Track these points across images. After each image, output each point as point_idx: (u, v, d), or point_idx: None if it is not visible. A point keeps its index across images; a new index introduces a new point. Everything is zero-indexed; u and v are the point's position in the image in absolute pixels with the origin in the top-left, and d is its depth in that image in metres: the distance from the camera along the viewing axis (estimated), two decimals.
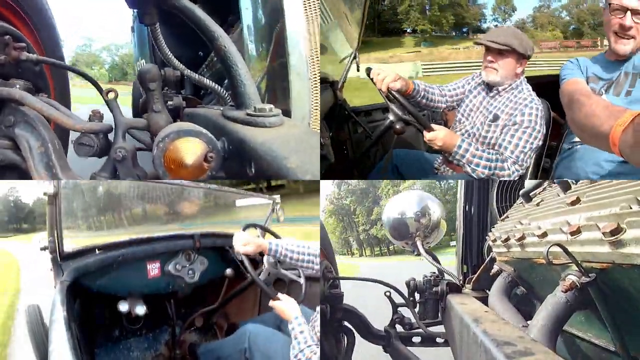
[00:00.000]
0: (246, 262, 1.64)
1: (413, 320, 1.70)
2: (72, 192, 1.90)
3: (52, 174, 1.44)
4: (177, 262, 2.06)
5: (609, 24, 1.73)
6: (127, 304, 1.84)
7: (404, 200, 1.83)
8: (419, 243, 1.79)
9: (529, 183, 1.98)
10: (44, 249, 1.68)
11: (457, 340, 1.28)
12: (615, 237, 0.77)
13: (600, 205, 0.98)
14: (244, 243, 1.54)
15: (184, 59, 1.64)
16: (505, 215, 2.10)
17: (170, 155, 1.23)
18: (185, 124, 1.36)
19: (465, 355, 1.15)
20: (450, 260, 2.74)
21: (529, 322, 1.07)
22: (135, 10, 1.49)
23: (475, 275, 1.77)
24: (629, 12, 1.65)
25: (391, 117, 1.93)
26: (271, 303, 1.51)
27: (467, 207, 2.48)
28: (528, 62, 2.03)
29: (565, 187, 1.48)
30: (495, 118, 2.00)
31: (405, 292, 1.71)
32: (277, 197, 2.55)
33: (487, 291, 1.62)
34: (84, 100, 6.38)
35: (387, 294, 1.73)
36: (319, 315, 1.44)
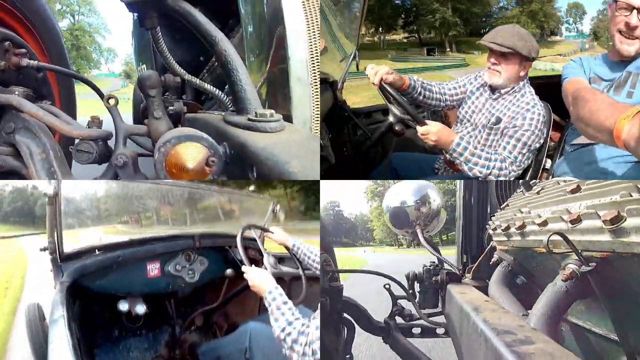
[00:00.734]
0: (245, 261, 1.64)
1: (413, 311, 1.71)
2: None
3: (54, 180, 1.44)
4: (177, 263, 2.06)
5: (614, 22, 1.68)
6: (127, 303, 1.84)
7: (405, 188, 1.83)
8: (419, 232, 1.79)
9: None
10: (43, 249, 1.68)
11: (457, 329, 1.28)
12: (616, 225, 0.76)
13: (601, 193, 0.97)
14: (272, 229, 1.81)
15: (184, 64, 1.64)
16: (505, 203, 2.09)
17: (171, 160, 1.24)
18: (187, 129, 1.37)
19: (465, 344, 1.15)
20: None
21: (529, 311, 1.07)
22: (135, 15, 1.48)
23: (475, 265, 1.77)
24: (635, 11, 1.59)
25: (391, 118, 1.92)
26: (243, 269, 1.43)
27: (466, 195, 2.47)
28: None
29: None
30: (498, 121, 1.98)
31: (406, 284, 1.71)
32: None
33: (487, 280, 1.62)
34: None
35: (387, 286, 1.74)
36: (319, 313, 1.43)
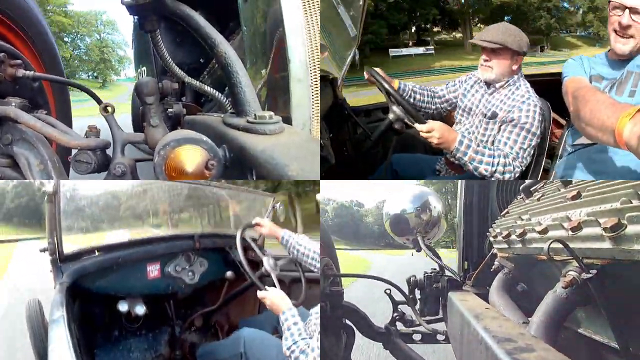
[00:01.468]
0: (244, 262, 1.64)
1: (414, 317, 1.70)
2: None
3: (53, 180, 1.44)
4: (177, 264, 2.05)
5: (610, 22, 1.70)
6: (127, 304, 1.84)
7: (405, 195, 1.82)
8: (419, 239, 1.79)
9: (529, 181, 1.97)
10: (43, 250, 1.68)
11: (458, 336, 1.28)
12: (616, 232, 0.76)
13: (601, 200, 0.97)
14: (261, 223, 1.75)
15: (184, 66, 1.65)
16: (505, 210, 2.09)
17: (171, 163, 1.24)
18: (186, 131, 1.37)
19: (466, 351, 1.15)
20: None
21: (529, 318, 1.07)
22: (136, 17, 1.48)
23: (476, 272, 1.77)
24: (627, 10, 1.61)
25: (391, 116, 1.92)
26: (259, 294, 1.49)
27: (467, 202, 2.47)
28: None
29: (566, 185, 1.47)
30: (494, 115, 1.99)
31: (406, 289, 1.71)
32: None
33: (487, 287, 1.61)
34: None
35: (387, 291, 1.73)
36: (319, 314, 1.43)
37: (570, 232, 0.94)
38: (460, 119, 2.20)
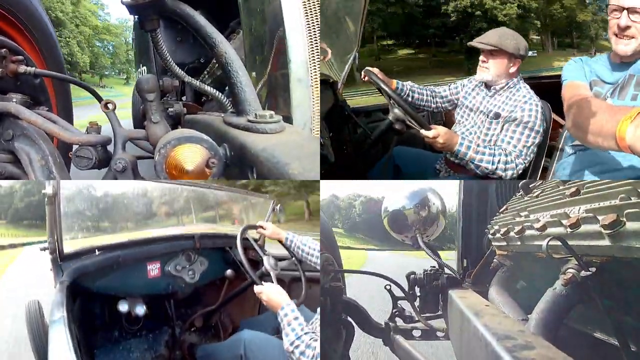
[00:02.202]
0: (244, 261, 1.64)
1: (413, 313, 1.70)
2: None
3: (53, 179, 1.44)
4: (177, 263, 2.05)
5: (610, 26, 1.69)
6: (127, 304, 1.84)
7: (404, 192, 1.82)
8: (418, 236, 1.79)
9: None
10: (43, 249, 1.68)
11: (458, 334, 1.28)
12: (615, 229, 0.76)
13: (600, 197, 0.97)
14: (264, 225, 1.80)
15: (185, 66, 1.64)
16: (504, 207, 2.09)
17: (171, 161, 1.24)
18: (187, 130, 1.37)
19: (465, 349, 1.15)
20: None
21: (529, 315, 1.07)
22: (136, 17, 1.47)
23: (475, 269, 1.77)
24: (625, 12, 1.60)
25: (390, 117, 1.93)
26: (256, 289, 1.47)
27: (466, 199, 2.47)
28: None
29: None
30: (497, 116, 2.04)
31: (406, 285, 1.71)
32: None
33: (487, 285, 1.62)
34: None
35: (388, 287, 1.73)
36: (319, 317, 1.43)
37: (569, 229, 0.94)
38: (460, 119, 2.25)
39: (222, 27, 2.12)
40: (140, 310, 1.88)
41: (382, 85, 1.98)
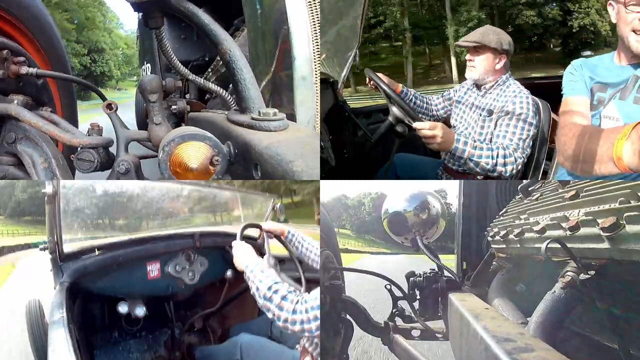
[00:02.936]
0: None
1: (412, 314, 1.70)
2: None
3: (53, 179, 1.44)
4: (177, 263, 2.05)
5: (624, 21, 1.52)
6: (127, 306, 1.84)
7: (404, 194, 1.82)
8: (418, 238, 1.79)
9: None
10: (43, 249, 1.68)
11: (457, 336, 1.28)
12: (614, 232, 0.77)
13: (599, 200, 0.97)
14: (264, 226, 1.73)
15: (188, 63, 1.64)
16: (504, 209, 2.10)
17: (175, 159, 1.24)
18: (191, 128, 1.37)
19: (465, 351, 1.15)
20: None
21: (528, 318, 1.07)
22: (140, 14, 1.47)
23: (475, 272, 1.77)
24: None
25: (390, 118, 1.93)
26: (233, 244, 1.39)
27: (465, 201, 2.47)
28: None
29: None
30: (490, 113, 2.05)
31: (405, 286, 1.71)
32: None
33: (486, 288, 1.62)
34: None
35: (387, 287, 1.73)
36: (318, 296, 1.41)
37: (568, 232, 0.94)
38: (455, 122, 2.26)
39: (226, 25, 2.12)
40: (140, 311, 1.87)
41: (382, 85, 1.98)
